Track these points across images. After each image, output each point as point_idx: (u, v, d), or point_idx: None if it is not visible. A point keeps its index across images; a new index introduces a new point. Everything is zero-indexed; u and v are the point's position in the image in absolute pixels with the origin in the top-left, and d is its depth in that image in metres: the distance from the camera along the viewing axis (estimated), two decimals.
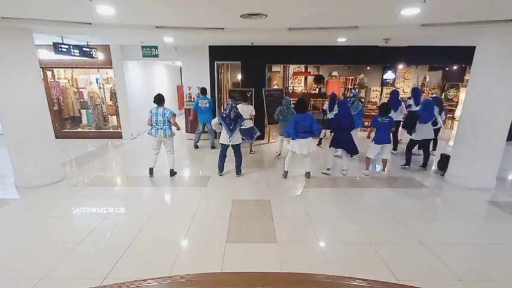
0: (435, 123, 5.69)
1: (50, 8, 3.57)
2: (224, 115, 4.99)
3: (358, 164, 6.00)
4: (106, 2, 3.30)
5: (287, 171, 5.24)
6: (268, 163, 6.22)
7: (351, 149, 5.28)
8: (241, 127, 5.43)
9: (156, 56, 8.11)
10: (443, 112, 6.61)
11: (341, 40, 6.23)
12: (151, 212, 3.87)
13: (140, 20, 4.30)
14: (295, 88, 11.88)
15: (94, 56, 6.87)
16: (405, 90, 11.81)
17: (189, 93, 8.38)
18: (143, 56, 8.11)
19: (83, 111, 9.12)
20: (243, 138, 5.41)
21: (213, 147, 7.36)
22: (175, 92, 12.83)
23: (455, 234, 3.40)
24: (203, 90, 7.30)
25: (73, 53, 6.18)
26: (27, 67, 4.42)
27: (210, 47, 7.85)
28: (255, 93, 7.88)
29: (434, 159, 6.25)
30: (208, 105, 7.12)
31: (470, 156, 4.69)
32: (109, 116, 9.10)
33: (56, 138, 5.35)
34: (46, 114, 4.83)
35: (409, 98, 7.03)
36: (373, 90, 11.61)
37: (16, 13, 3.74)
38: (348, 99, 6.20)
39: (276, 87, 10.79)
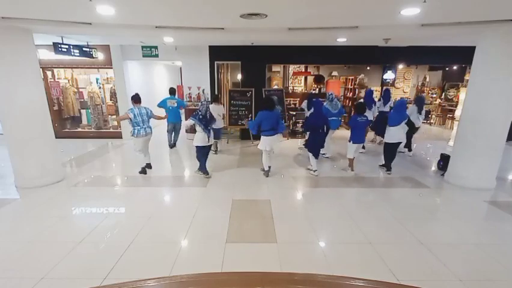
0: (411, 123, 5.56)
1: (50, 8, 3.57)
2: (201, 116, 4.80)
3: (343, 165, 5.83)
4: (106, 2, 3.30)
5: (268, 170, 5.28)
6: None
7: (319, 150, 5.37)
8: (214, 127, 5.50)
9: (156, 56, 8.12)
10: (423, 112, 6.52)
11: (341, 40, 6.23)
12: (151, 212, 3.87)
13: (140, 20, 4.30)
14: (295, 88, 11.86)
15: (94, 56, 6.88)
16: (405, 90, 11.82)
17: (189, 93, 8.39)
18: (143, 56, 8.12)
19: (83, 111, 9.13)
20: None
21: (173, 146, 7.42)
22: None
23: (455, 234, 3.40)
24: (171, 90, 7.29)
25: (73, 53, 6.18)
26: (27, 67, 4.42)
27: (210, 47, 7.85)
28: (255, 93, 7.88)
29: (434, 159, 6.24)
30: (176, 104, 7.12)
31: (470, 156, 4.69)
32: (109, 116, 9.10)
33: (56, 138, 5.35)
34: (46, 114, 4.83)
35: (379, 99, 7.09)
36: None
37: (16, 13, 3.74)
38: (327, 97, 6.27)
39: (276, 87, 10.78)
